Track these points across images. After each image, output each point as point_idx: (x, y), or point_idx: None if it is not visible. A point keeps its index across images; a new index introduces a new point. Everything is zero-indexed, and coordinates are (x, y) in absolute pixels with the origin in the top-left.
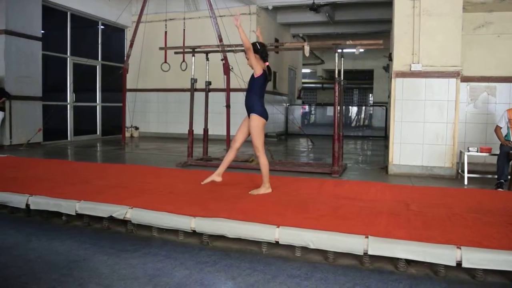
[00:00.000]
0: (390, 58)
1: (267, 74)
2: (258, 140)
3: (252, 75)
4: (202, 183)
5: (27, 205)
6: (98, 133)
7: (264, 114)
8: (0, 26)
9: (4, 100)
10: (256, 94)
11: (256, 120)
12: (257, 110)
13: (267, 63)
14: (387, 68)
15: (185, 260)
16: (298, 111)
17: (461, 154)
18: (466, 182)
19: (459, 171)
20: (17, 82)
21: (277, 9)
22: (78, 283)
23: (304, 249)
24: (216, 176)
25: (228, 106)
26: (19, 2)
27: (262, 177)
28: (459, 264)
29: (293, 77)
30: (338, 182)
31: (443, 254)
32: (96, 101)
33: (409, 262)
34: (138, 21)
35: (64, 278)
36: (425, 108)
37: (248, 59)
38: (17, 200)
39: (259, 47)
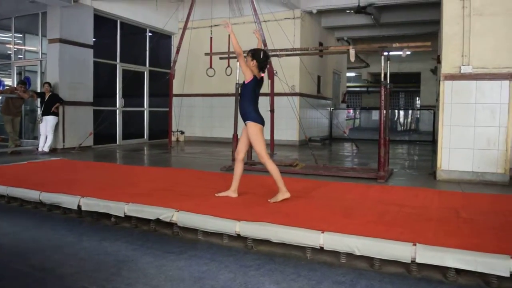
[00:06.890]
0: (439, 60)
1: (258, 80)
2: (259, 147)
3: (243, 82)
4: (216, 195)
5: (79, 206)
6: (145, 137)
7: (259, 120)
8: (54, 35)
9: (58, 105)
10: (249, 101)
11: (252, 127)
12: (251, 117)
13: (262, 74)
14: (435, 71)
15: (229, 264)
16: (343, 115)
17: None
18: None
19: None
20: (70, 88)
21: (321, 12)
22: (127, 283)
23: (350, 255)
24: (232, 192)
25: (272, 111)
26: (72, 12)
27: (276, 183)
28: None
29: (337, 81)
30: (384, 188)
31: (495, 264)
32: (143, 106)
33: (459, 271)
34: (185, 28)
35: (114, 277)
36: (476, 112)
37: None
38: (70, 201)
39: (261, 57)
